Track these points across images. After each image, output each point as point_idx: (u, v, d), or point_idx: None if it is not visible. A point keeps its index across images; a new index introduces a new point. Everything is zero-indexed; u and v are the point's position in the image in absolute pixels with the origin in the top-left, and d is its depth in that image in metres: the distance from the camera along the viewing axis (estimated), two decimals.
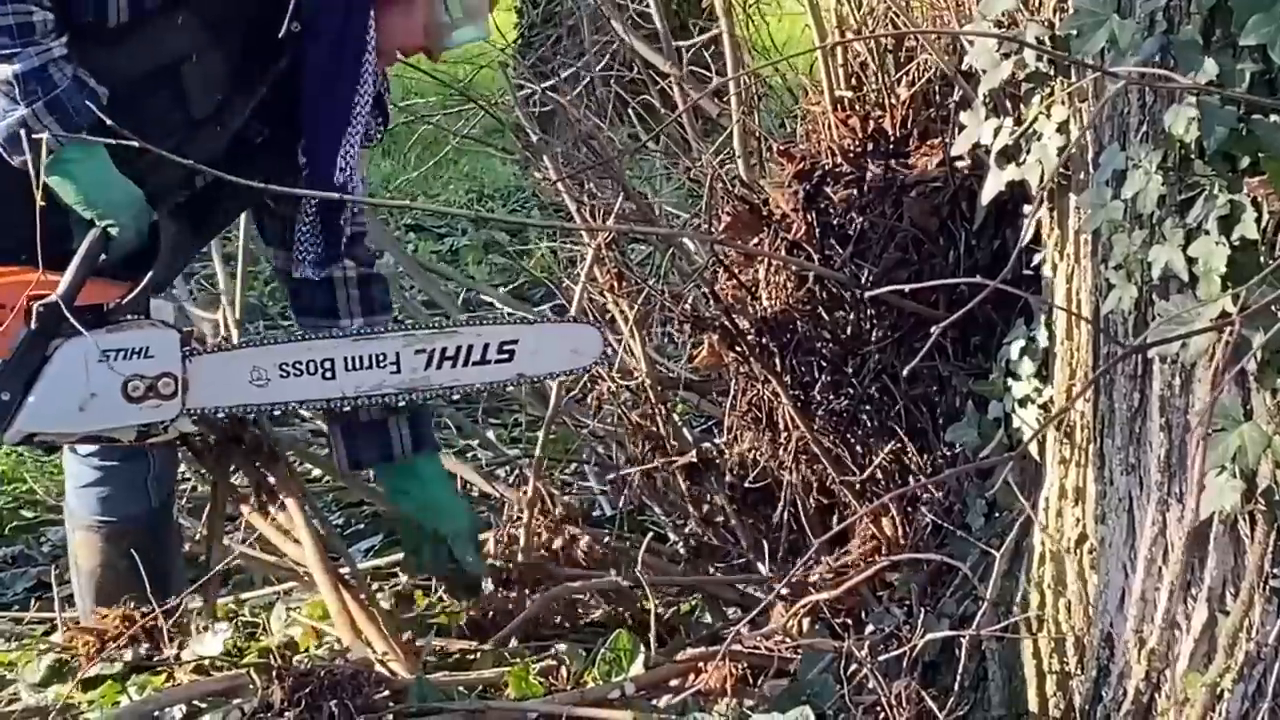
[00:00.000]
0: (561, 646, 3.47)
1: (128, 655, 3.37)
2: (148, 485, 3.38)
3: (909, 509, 3.42)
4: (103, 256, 2.99)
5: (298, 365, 3.14)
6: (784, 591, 3.36)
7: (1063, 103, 2.79)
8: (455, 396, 3.51)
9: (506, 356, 3.29)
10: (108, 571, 3.45)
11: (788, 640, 3.30)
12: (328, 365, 3.15)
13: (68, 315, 2.92)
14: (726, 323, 3.48)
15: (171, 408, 3.04)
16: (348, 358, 3.17)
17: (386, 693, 3.12)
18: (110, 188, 2.99)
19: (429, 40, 3.10)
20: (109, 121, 2.53)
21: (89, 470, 3.38)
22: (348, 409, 3.23)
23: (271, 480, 3.47)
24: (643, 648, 3.31)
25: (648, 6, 4.39)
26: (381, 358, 3.19)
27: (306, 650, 3.54)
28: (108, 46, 2.94)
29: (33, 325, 2.94)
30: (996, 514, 3.18)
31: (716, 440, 3.93)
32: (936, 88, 3.36)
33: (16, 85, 2.83)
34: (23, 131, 2.85)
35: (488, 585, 3.53)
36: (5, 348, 2.93)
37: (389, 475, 3.51)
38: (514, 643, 3.57)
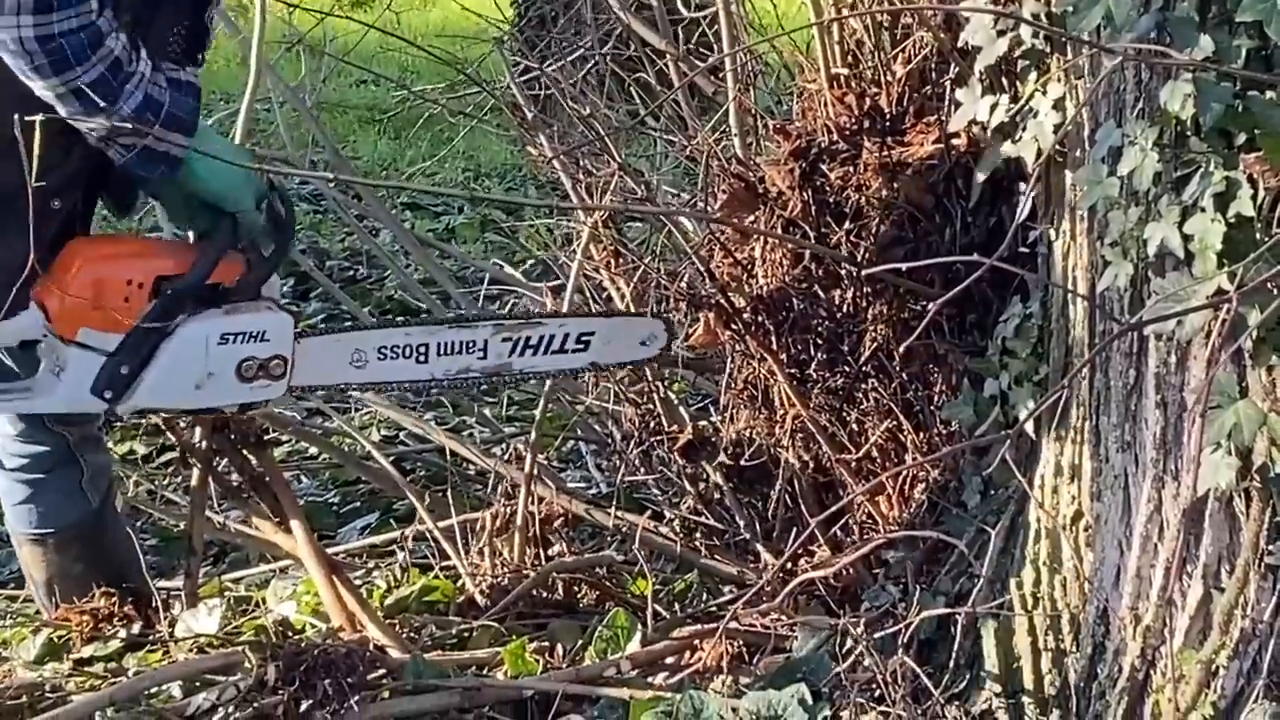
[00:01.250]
0: (557, 624, 3.47)
1: (121, 634, 3.38)
2: (83, 488, 3.36)
3: (905, 487, 3.42)
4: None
5: (395, 349, 3.26)
6: (779, 569, 3.36)
7: (1059, 79, 2.78)
8: (531, 380, 3.58)
9: (582, 346, 3.43)
10: (63, 579, 3.42)
11: (784, 617, 3.30)
12: (422, 350, 3.28)
13: (197, 298, 3.02)
14: (722, 301, 3.47)
15: (279, 387, 3.15)
16: (441, 343, 3.29)
17: (381, 671, 3.12)
18: (231, 174, 3.00)
19: None
20: None
21: (21, 486, 3.33)
22: (434, 390, 3.25)
23: (258, 466, 3.46)
24: (639, 625, 3.32)
25: None
26: (471, 344, 3.31)
27: (302, 628, 3.54)
28: None
29: (160, 303, 3.00)
30: (992, 491, 3.18)
31: (713, 418, 3.93)
32: (933, 65, 3.34)
33: (133, 123, 2.84)
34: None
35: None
36: (129, 322, 2.99)
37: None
38: (510, 621, 3.57)
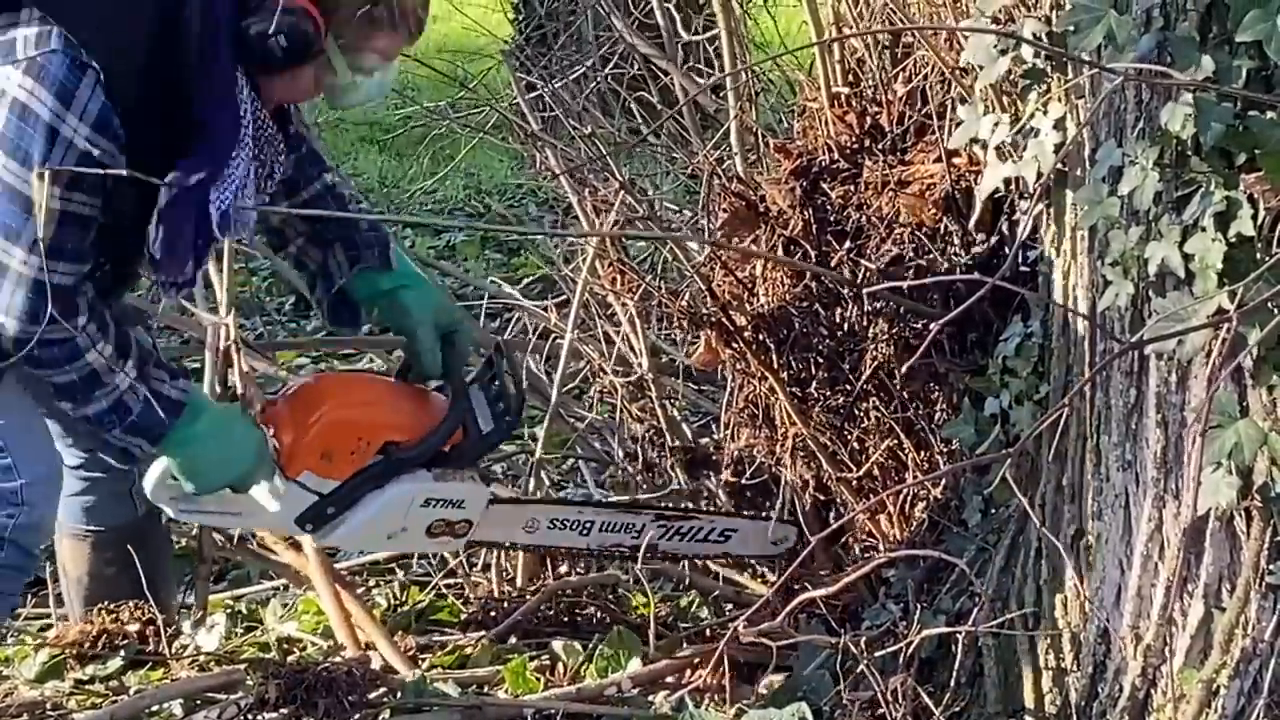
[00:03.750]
0: (559, 643, 3.47)
1: (122, 652, 3.38)
2: (133, 494, 3.36)
3: (906, 505, 3.42)
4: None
5: (564, 521, 3.40)
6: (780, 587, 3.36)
7: (1060, 99, 2.79)
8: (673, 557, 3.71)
9: (723, 539, 3.56)
10: (95, 579, 3.43)
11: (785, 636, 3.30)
12: (588, 525, 3.41)
13: (419, 468, 3.13)
14: (723, 319, 3.48)
15: (458, 543, 3.30)
16: (606, 522, 3.43)
17: (382, 689, 3.12)
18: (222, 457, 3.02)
19: (324, 97, 3.05)
20: None
21: (75, 480, 3.34)
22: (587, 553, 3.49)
23: None
24: (640, 644, 3.31)
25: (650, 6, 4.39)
26: (631, 526, 3.45)
27: (303, 646, 3.54)
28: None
29: (383, 465, 3.11)
30: (993, 510, 3.18)
31: (714, 436, 3.93)
32: (933, 84, 3.35)
33: (94, 424, 2.86)
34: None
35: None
36: (348, 471, 3.09)
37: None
38: (511, 639, 3.57)
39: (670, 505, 3.66)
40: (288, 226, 3.18)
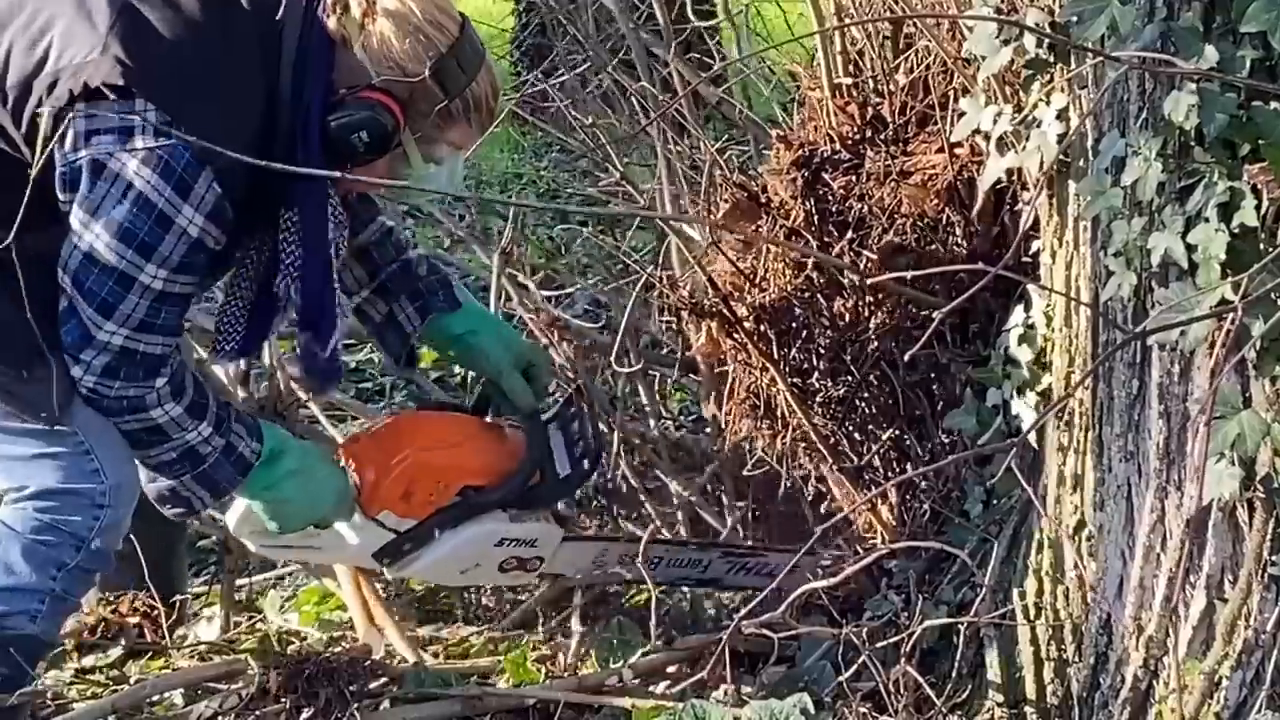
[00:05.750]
0: (561, 633, 3.47)
1: (122, 641, 3.38)
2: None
3: (907, 496, 3.42)
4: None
5: (634, 557, 3.35)
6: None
7: (1062, 89, 2.78)
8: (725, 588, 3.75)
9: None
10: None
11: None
12: (656, 560, 3.39)
13: (495, 510, 3.19)
14: (725, 310, 3.47)
15: (528, 578, 3.37)
16: (674, 559, 3.46)
17: (384, 679, 3.12)
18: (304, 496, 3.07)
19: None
20: None
21: None
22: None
23: None
24: (641, 635, 3.31)
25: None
26: (699, 562, 3.48)
27: (304, 636, 3.54)
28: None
29: (461, 508, 3.16)
30: (995, 501, 3.18)
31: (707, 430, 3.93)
32: (935, 74, 3.34)
33: (162, 472, 2.92)
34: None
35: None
36: (426, 511, 3.14)
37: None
38: (513, 629, 3.57)
39: (738, 545, 3.69)
40: (348, 274, 3.22)
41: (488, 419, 3.30)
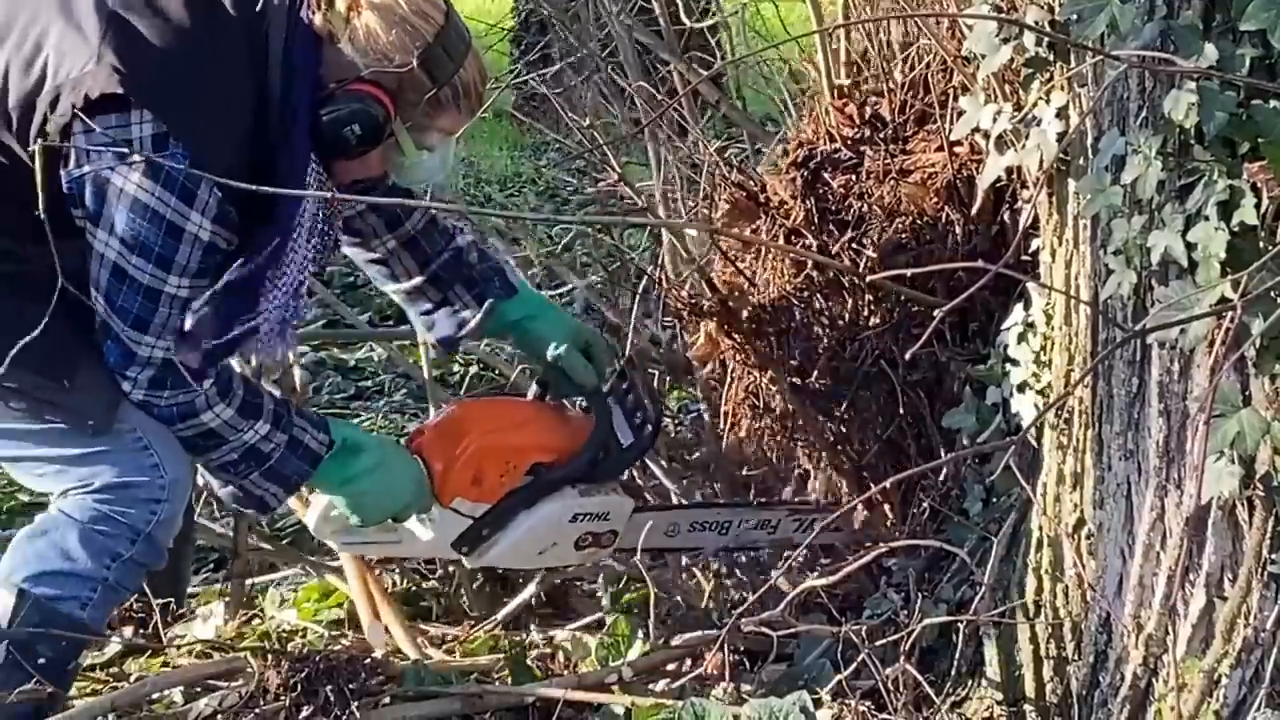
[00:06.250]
0: (560, 632, 3.47)
1: (118, 639, 3.38)
2: None
3: (907, 494, 3.42)
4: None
5: (705, 524, 3.47)
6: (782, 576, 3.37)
7: (1062, 88, 2.78)
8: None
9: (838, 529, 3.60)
10: None
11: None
12: (725, 525, 3.47)
13: (566, 487, 3.23)
14: (724, 310, 3.47)
15: (604, 553, 3.39)
16: (743, 521, 3.50)
17: (383, 677, 3.12)
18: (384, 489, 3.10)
19: (389, 172, 3.10)
20: None
21: None
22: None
23: None
24: (641, 633, 3.32)
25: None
26: (767, 522, 3.51)
27: (304, 634, 3.54)
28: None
29: (533, 487, 3.20)
30: (994, 499, 3.18)
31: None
32: (935, 73, 3.35)
33: (223, 474, 2.96)
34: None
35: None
36: (499, 494, 3.18)
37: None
38: (511, 627, 3.57)
39: (802, 501, 3.70)
40: (396, 264, 3.27)
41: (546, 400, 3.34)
